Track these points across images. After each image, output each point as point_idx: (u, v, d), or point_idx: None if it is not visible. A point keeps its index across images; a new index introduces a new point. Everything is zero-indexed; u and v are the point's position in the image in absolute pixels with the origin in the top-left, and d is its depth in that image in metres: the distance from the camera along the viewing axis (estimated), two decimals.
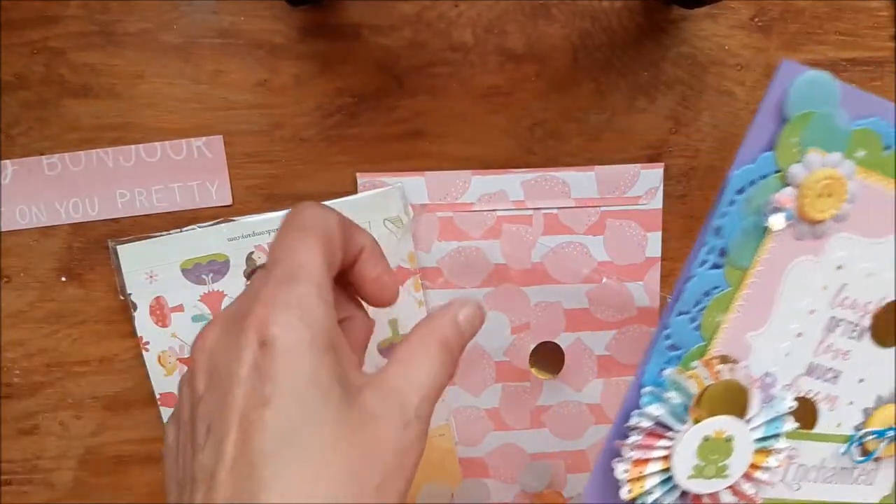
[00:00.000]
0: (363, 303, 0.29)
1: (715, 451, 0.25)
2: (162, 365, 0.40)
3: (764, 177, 0.25)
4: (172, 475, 0.23)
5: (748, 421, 0.26)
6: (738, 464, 0.26)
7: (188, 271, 0.39)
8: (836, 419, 0.27)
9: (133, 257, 0.39)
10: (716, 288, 0.26)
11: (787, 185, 0.24)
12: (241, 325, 0.22)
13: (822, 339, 0.25)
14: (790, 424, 0.26)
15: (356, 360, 0.24)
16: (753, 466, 0.26)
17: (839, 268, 0.25)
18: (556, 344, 0.42)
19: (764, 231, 0.24)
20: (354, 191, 0.39)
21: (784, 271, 0.25)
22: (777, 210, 0.24)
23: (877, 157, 0.25)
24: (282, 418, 0.20)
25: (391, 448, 0.22)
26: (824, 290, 0.25)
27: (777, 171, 0.25)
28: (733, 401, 0.26)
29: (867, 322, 0.25)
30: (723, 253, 0.25)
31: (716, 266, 0.25)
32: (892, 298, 0.25)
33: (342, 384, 0.22)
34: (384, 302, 0.27)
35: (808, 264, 0.25)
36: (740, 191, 0.25)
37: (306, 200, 0.26)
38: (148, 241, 0.39)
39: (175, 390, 0.40)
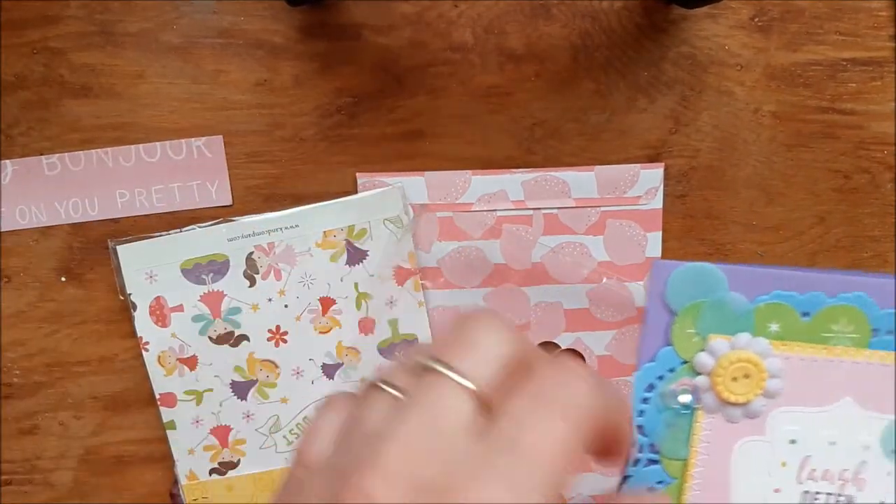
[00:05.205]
0: None
1: None
2: (162, 365, 0.40)
3: (672, 370, 0.25)
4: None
5: None
6: None
7: (188, 271, 0.39)
8: None
9: (133, 257, 0.39)
10: (660, 482, 0.24)
11: (699, 374, 0.24)
12: None
13: None
14: None
15: None
16: None
17: (793, 442, 0.24)
18: (556, 344, 0.42)
19: (690, 420, 0.24)
20: (354, 191, 0.39)
21: (730, 455, 0.24)
22: (687, 393, 0.24)
23: (795, 326, 0.25)
24: None
25: None
26: (784, 466, 0.24)
27: (684, 363, 0.25)
28: None
29: (851, 490, 0.24)
30: (654, 449, 0.24)
31: (651, 462, 0.24)
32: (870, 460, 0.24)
33: None
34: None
35: (755, 444, 0.24)
36: (649, 388, 0.24)
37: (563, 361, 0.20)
38: (148, 241, 0.39)
39: (175, 390, 0.40)
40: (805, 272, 0.25)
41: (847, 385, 0.24)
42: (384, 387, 0.19)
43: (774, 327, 0.25)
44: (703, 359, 0.25)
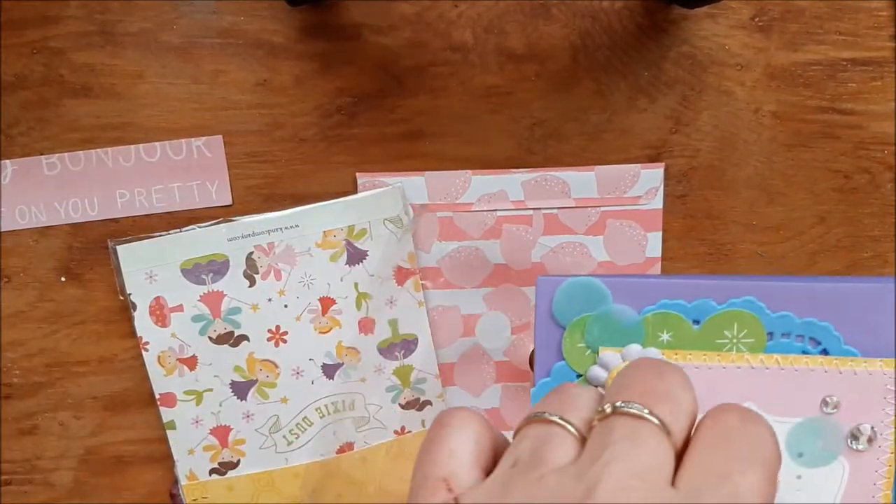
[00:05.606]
0: None
1: None
2: (161, 365, 0.40)
3: None
4: None
5: None
6: None
7: (188, 271, 0.39)
8: None
9: (133, 257, 0.39)
10: None
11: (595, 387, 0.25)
12: None
13: None
14: None
15: None
16: None
17: None
18: None
19: None
20: (354, 191, 0.39)
21: None
22: None
23: (687, 335, 0.25)
24: None
25: None
26: None
27: (579, 376, 0.26)
28: None
29: None
30: None
31: None
32: None
33: None
34: None
35: None
36: None
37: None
38: (148, 241, 0.39)
39: (174, 390, 0.40)
40: (691, 279, 0.25)
41: (747, 391, 0.24)
42: (564, 424, 0.18)
43: (666, 337, 0.25)
44: (596, 372, 0.25)
